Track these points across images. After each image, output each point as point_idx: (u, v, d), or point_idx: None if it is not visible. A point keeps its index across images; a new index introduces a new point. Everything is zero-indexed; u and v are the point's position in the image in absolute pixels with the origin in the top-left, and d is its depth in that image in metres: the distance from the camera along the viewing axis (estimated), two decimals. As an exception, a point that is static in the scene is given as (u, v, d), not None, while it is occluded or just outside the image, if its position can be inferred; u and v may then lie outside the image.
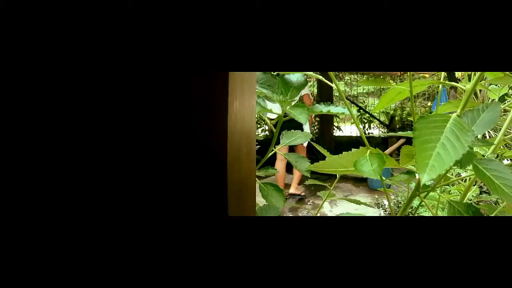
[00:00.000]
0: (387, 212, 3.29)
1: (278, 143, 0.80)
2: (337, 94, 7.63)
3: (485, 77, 0.81)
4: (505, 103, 0.87)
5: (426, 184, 0.37)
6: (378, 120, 6.45)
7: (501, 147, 1.14)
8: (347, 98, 4.74)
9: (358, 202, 1.03)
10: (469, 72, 0.88)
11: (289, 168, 4.06)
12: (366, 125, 6.93)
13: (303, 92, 3.96)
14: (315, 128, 6.07)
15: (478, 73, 0.56)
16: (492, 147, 0.76)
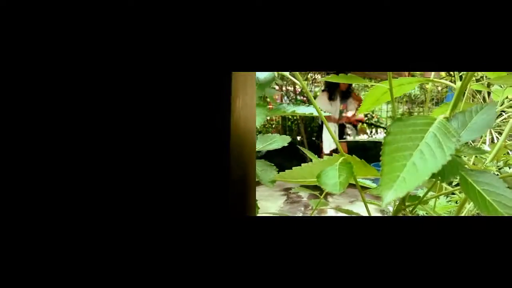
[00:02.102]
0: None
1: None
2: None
3: (485, 76, 0.73)
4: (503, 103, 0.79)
5: (391, 200, 0.29)
6: (384, 128, 6.35)
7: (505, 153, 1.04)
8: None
9: (349, 212, 0.96)
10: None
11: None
12: (373, 130, 6.82)
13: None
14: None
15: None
16: (492, 154, 0.67)
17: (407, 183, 0.31)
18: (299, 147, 0.93)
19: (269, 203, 3.89)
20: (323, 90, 4.43)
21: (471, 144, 0.66)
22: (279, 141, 0.68)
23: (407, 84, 0.58)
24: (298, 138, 5.83)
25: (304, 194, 4.17)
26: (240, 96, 0.42)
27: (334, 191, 0.38)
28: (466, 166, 0.50)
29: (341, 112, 4.32)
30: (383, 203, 0.28)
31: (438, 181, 0.60)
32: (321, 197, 1.03)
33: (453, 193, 1.44)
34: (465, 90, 0.75)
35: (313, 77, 6.24)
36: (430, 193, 0.65)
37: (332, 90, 4.29)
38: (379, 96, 0.62)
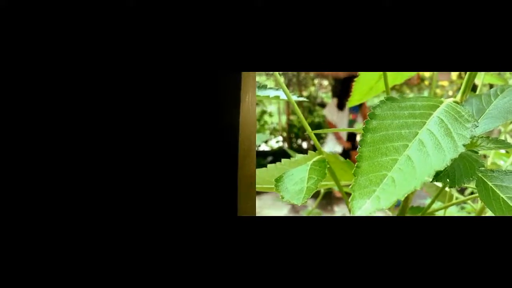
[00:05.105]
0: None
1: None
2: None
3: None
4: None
5: (369, 213, 0.18)
6: None
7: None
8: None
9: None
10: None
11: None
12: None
13: None
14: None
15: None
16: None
17: (397, 187, 0.19)
18: (284, 149, 0.82)
19: (273, 210, 3.76)
20: (332, 97, 4.09)
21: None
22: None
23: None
24: (304, 144, 5.73)
25: (310, 203, 4.01)
26: (248, 93, 0.42)
27: (296, 201, 0.27)
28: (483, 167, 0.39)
29: (351, 122, 3.94)
30: (352, 211, 0.17)
31: (447, 188, 0.48)
32: (314, 206, 0.92)
33: (464, 203, 1.29)
34: (476, 81, 0.64)
35: (320, 82, 6.11)
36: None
37: (341, 98, 3.86)
38: (373, 84, 0.51)
